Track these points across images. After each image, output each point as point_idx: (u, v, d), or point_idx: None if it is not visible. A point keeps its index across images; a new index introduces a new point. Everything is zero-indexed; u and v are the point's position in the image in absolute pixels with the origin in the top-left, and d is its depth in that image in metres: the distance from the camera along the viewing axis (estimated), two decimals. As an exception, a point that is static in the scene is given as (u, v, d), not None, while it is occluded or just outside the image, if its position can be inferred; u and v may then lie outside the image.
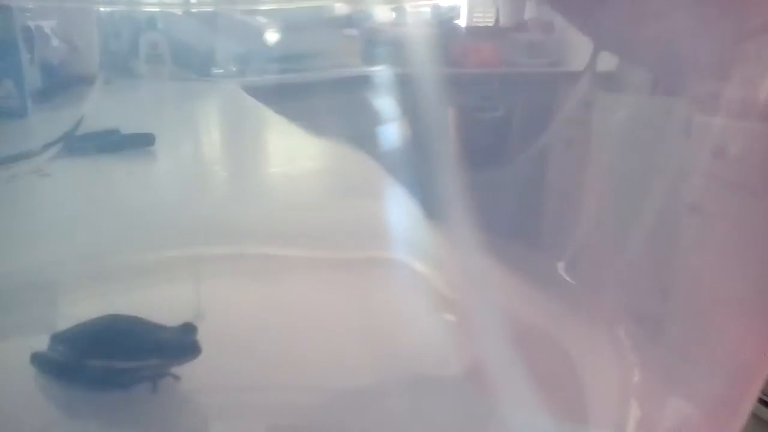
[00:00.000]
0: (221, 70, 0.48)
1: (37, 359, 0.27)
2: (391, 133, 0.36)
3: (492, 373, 0.24)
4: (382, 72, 0.34)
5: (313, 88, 0.44)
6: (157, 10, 0.47)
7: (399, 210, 0.32)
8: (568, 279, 0.34)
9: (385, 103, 0.35)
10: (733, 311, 0.25)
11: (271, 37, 0.45)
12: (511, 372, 0.26)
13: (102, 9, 0.46)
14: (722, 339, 0.26)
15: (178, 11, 0.47)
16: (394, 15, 0.30)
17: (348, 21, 0.40)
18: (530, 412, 0.25)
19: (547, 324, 0.31)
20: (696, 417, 0.26)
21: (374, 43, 0.37)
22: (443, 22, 0.35)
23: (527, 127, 0.39)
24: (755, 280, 0.24)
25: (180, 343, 0.26)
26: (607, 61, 0.32)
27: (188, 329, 0.27)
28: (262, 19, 0.45)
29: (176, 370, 0.26)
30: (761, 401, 0.27)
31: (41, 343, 0.27)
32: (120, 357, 0.26)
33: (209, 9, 0.46)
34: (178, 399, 0.26)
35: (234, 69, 0.48)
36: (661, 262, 0.29)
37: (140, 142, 0.48)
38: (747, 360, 0.25)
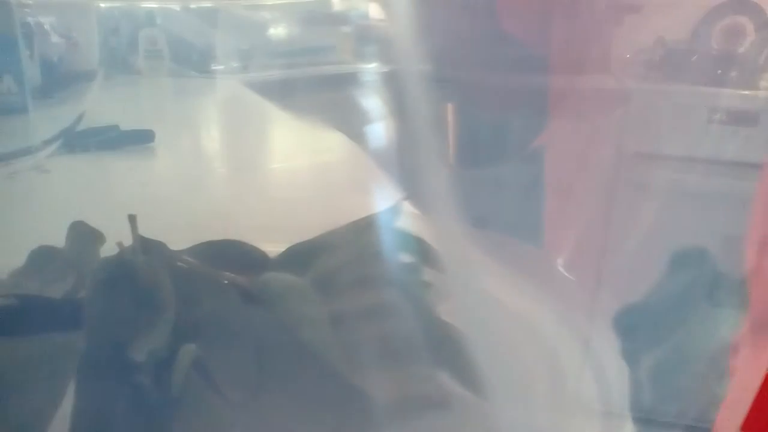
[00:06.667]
0: (220, 66, 0.48)
1: None
2: (384, 129, 0.36)
3: (482, 365, 0.25)
4: (374, 69, 0.34)
5: (311, 83, 0.44)
6: (156, 6, 0.47)
7: (390, 204, 0.32)
8: (565, 274, 0.34)
9: (379, 101, 0.35)
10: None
11: (270, 33, 0.45)
12: (501, 362, 0.26)
13: (101, 5, 0.46)
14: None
15: (177, 7, 0.47)
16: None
17: (343, 18, 0.40)
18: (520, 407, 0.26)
19: (540, 317, 0.32)
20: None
21: (367, 40, 0.37)
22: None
23: (527, 124, 0.39)
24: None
25: None
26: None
27: None
28: (260, 15, 0.45)
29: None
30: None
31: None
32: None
33: (208, 5, 0.46)
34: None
35: (232, 65, 0.48)
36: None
37: (140, 139, 0.48)
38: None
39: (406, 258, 0.31)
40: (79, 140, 0.46)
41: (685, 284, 0.28)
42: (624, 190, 0.33)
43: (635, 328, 0.30)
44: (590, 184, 0.34)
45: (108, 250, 0.30)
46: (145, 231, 0.28)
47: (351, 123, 0.42)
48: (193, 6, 0.46)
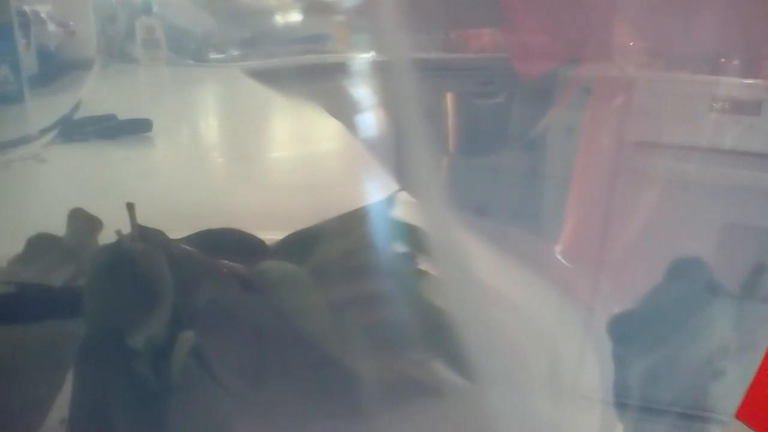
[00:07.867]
0: (216, 55, 0.48)
1: None
2: (381, 118, 0.36)
3: (472, 350, 0.25)
4: (370, 58, 0.34)
5: (308, 72, 0.44)
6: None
7: (388, 193, 0.32)
8: (564, 263, 0.34)
9: (375, 90, 0.35)
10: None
11: (267, 22, 0.44)
12: (496, 350, 0.26)
13: (98, -7, 0.46)
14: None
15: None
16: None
17: (338, 7, 0.40)
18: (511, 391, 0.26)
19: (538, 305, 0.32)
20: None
21: (360, 29, 0.37)
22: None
23: (527, 112, 0.39)
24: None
25: None
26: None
27: None
28: (257, 4, 0.44)
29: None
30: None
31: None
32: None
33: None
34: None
35: (229, 53, 0.48)
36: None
37: (137, 128, 0.47)
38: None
39: (403, 247, 0.31)
40: (77, 129, 0.46)
41: (679, 295, 0.29)
42: (625, 179, 0.32)
43: (628, 336, 0.30)
44: (592, 173, 0.34)
45: (106, 238, 0.30)
46: (143, 219, 0.28)
47: (349, 112, 0.42)
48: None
